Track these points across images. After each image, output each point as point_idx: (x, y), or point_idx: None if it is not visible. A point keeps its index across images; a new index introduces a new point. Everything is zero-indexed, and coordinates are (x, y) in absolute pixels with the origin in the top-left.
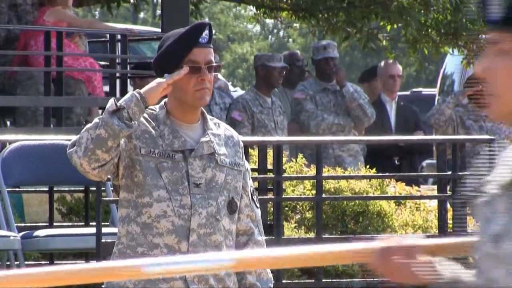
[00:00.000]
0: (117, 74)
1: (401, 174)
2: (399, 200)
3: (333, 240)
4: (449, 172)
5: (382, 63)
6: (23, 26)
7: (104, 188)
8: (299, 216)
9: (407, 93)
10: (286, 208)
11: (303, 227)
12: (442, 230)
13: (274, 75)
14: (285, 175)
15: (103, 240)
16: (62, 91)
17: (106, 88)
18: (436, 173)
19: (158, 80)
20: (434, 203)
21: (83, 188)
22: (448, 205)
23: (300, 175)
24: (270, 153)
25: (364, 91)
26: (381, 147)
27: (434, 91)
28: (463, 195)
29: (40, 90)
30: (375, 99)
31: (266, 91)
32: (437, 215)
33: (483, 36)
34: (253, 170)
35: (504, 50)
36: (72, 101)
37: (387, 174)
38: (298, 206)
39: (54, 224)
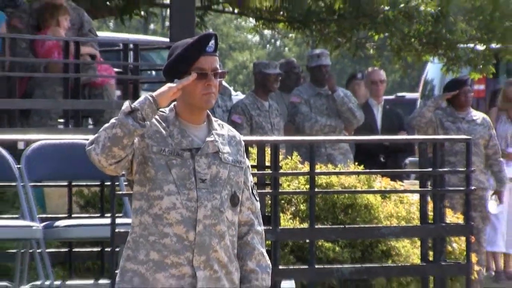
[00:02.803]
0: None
1: (387, 170)
2: (384, 194)
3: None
4: (430, 169)
5: (368, 70)
6: (46, 36)
7: (118, 183)
8: (294, 208)
9: (392, 97)
10: (282, 201)
11: (297, 218)
12: (423, 221)
13: (270, 81)
14: (281, 171)
15: (116, 230)
16: (79, 95)
17: (119, 93)
18: (418, 170)
19: (169, 85)
20: (416, 197)
21: (99, 183)
22: (429, 198)
23: (295, 171)
24: (268, 151)
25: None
26: (368, 146)
27: (417, 95)
28: (442, 189)
29: (57, 90)
30: (364, 103)
31: (264, 95)
32: (419, 207)
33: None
34: (252, 166)
35: None
36: (89, 104)
37: (373, 170)
38: (293, 199)
39: (73, 215)
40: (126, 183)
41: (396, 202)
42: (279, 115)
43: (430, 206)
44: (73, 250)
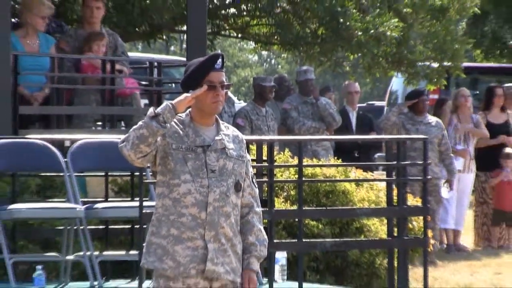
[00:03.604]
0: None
1: (360, 163)
2: (358, 182)
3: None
4: (395, 162)
5: (345, 83)
6: (89, 56)
7: (145, 173)
8: (286, 193)
9: (364, 105)
10: (276, 188)
11: (289, 202)
12: (389, 204)
13: (266, 92)
14: (275, 164)
15: (144, 211)
16: (114, 103)
17: (146, 101)
18: (385, 163)
19: (185, 94)
20: (383, 184)
21: (130, 173)
22: (394, 186)
23: (287, 164)
24: (264, 148)
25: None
26: (345, 143)
27: (384, 103)
28: (405, 178)
29: (91, 99)
30: (341, 109)
31: (261, 103)
32: (385, 193)
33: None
34: (252, 160)
35: None
36: (121, 110)
37: (349, 163)
38: (285, 187)
39: (109, 199)
40: (151, 173)
41: (368, 189)
42: (274, 119)
43: (395, 192)
44: (109, 227)
